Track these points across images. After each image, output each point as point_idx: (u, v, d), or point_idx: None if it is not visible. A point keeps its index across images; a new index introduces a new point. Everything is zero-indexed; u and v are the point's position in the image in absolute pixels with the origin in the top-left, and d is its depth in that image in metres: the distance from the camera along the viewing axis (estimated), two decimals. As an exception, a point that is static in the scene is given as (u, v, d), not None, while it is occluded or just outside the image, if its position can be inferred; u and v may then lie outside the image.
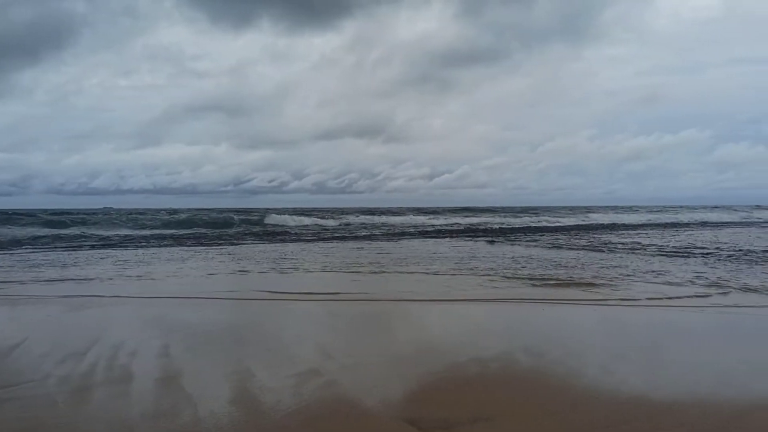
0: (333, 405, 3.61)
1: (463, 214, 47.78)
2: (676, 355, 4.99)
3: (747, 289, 8.12)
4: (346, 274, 10.54)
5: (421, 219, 40.24)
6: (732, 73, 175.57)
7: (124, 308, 7.24)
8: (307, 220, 34.90)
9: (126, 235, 23.63)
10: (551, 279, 9.35)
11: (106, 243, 19.23)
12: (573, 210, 60.41)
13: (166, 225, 31.26)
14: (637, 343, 5.36)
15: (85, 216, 36.13)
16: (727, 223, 36.71)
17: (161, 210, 52.82)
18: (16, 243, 19.12)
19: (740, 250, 14.15)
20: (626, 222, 37.77)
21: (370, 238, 22.44)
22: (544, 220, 38.92)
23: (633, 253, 14.10)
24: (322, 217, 37.93)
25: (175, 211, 47.98)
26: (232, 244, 19.17)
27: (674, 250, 14.75)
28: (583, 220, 39.55)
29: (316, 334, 5.81)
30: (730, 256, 12.84)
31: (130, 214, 41.12)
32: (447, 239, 21.35)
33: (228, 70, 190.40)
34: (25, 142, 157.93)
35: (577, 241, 19.12)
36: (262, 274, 10.42)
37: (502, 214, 48.59)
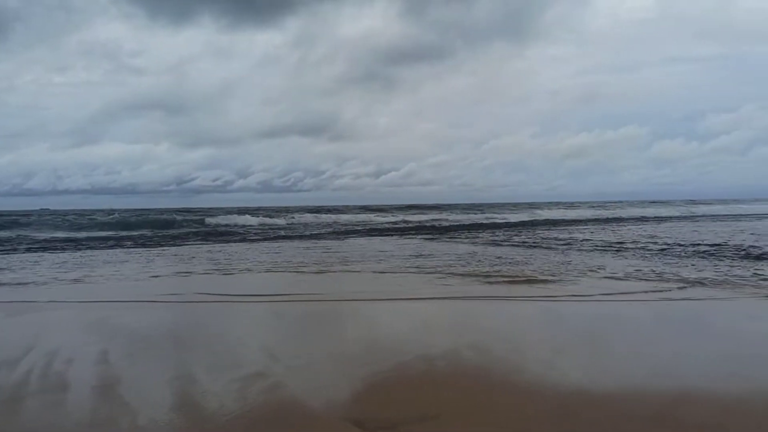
0: (277, 408, 3.56)
1: (410, 212, 48.03)
2: (616, 347, 5.13)
3: (689, 282, 8.40)
4: (293, 274, 10.44)
5: (368, 217, 40.28)
6: (667, 71, 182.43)
7: (61, 313, 6.98)
8: (252, 220, 34.40)
9: (63, 237, 22.82)
10: (498, 275, 9.48)
11: (41, 246, 18.52)
12: (517, 206, 61.49)
13: (106, 226, 30.32)
14: (579, 337, 5.49)
15: (19, 218, 34.79)
16: (666, 217, 38.03)
17: (100, 210, 51.30)
18: (-56, 247, 18.22)
19: (681, 245, 14.66)
20: (570, 218, 38.67)
21: (316, 237, 22.32)
22: (490, 217, 39.49)
23: (577, 248, 14.44)
24: (268, 216, 37.49)
25: (114, 212, 46.68)
26: (175, 245, 18.75)
27: (618, 244, 15.17)
28: (531, 217, 40.30)
29: (261, 336, 5.73)
30: (662, 249, 13.28)
31: (67, 215, 39.78)
32: (394, 237, 21.41)
33: (168, 66, 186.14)
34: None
35: (523, 237, 19.47)
36: (205, 276, 10.22)
37: (449, 211, 49.06)
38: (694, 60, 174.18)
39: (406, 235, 22.71)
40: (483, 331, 5.79)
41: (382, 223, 34.43)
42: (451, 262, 11.68)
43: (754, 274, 9.04)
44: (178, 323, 6.49)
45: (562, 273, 9.55)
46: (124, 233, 25.61)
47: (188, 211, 51.60)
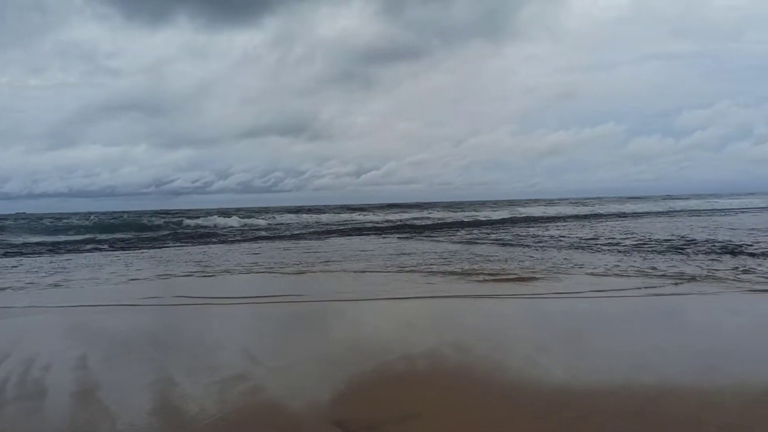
0: (258, 410, 3.54)
1: (391, 211, 48.05)
2: (599, 343, 5.18)
3: (671, 277, 8.49)
4: (273, 275, 10.39)
5: (349, 216, 40.23)
6: (642, 69, 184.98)
7: (39, 319, 6.88)
8: (232, 221, 34.19)
9: (40, 242, 22.50)
10: (480, 273, 9.51)
11: (18, 250, 18.24)
12: (497, 204, 61.80)
13: (83, 229, 29.93)
14: (562, 335, 5.52)
15: (-6, 222, 34.25)
16: (645, 213, 38.43)
17: (77, 214, 50.66)
18: None
19: (660, 240, 14.82)
20: (550, 215, 38.93)
21: (297, 237, 22.24)
22: (472, 215, 39.63)
23: (558, 245, 14.53)
24: (249, 217, 37.28)
25: (93, 215, 46.11)
26: (154, 247, 18.58)
27: (594, 240, 15.30)
28: (511, 214, 40.50)
29: (242, 338, 5.69)
30: (641, 245, 13.43)
31: (41, 219, 39.21)
32: (375, 236, 21.41)
33: (145, 67, 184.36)
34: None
35: (504, 234, 19.56)
36: (185, 278, 10.13)
37: (429, 210, 49.16)
38: (669, 58, 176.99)
39: (387, 234, 22.71)
40: (465, 330, 5.81)
41: (362, 222, 34.39)
42: (433, 260, 11.70)
43: (734, 268, 9.14)
44: (157, 327, 6.44)
45: (543, 270, 9.61)
46: (102, 236, 25.31)
47: (168, 212, 51.08)
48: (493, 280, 8.77)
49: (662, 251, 11.91)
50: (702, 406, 3.44)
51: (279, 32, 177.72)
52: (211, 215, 37.45)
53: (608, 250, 12.72)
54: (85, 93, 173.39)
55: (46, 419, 3.51)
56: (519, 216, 38.26)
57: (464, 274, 9.50)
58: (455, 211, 45.35)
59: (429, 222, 33.10)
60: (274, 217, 37.62)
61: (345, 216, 40.79)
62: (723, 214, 32.16)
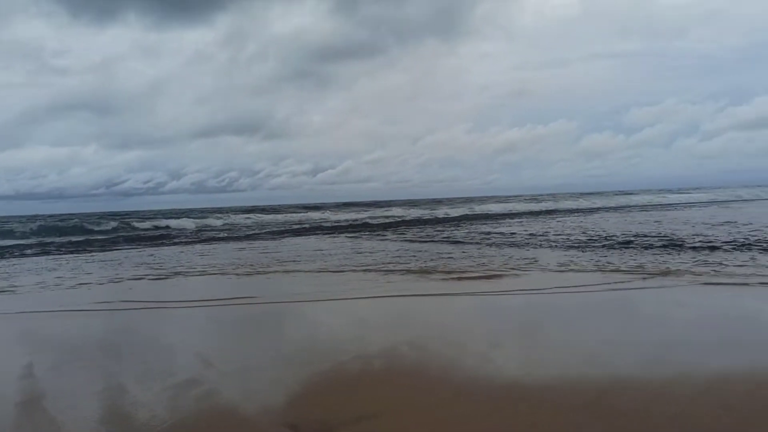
0: (211, 415, 3.48)
1: (348, 209, 47.97)
2: (552, 338, 5.25)
3: (626, 271, 8.67)
4: (228, 276, 10.25)
5: (306, 215, 40.01)
6: (592, 67, 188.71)
7: (-20, 327, 6.64)
8: (185, 222, 33.61)
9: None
10: (437, 271, 9.56)
11: (-40, 255, 17.56)
12: (454, 201, 62.25)
13: (31, 233, 29.01)
14: (516, 331, 5.61)
15: (-66, 227, 32.88)
16: (598, 208, 39.21)
17: (24, 216, 49.13)
18: None
19: (614, 235, 15.14)
20: (505, 211, 39.44)
21: (252, 237, 21.99)
22: (429, 213, 39.82)
23: (513, 242, 14.71)
24: (203, 218, 36.73)
25: (40, 218, 44.77)
26: (105, 250, 18.12)
27: (544, 236, 15.55)
28: (469, 211, 40.80)
29: (195, 342, 5.59)
30: (595, 239, 13.70)
31: (-12, 222, 37.90)
32: (332, 235, 21.33)
33: (93, 66, 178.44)
34: None
35: (461, 231, 19.71)
36: (136, 281, 9.90)
37: (386, 208, 49.20)
38: (617, 56, 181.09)
39: (344, 233, 22.66)
40: (422, 328, 5.83)
41: (319, 222, 34.23)
42: (390, 258, 11.71)
43: (688, 261, 9.36)
44: (107, 332, 6.28)
45: (500, 267, 9.72)
46: (49, 239, 24.57)
47: (118, 214, 49.98)
48: (451, 278, 8.82)
49: (616, 246, 12.16)
50: (651, 397, 3.52)
51: (231, 30, 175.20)
52: (164, 216, 36.76)
53: (564, 245, 12.92)
54: (31, 93, 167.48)
55: (-11, 431, 3.38)
56: (477, 213, 38.66)
57: (422, 272, 9.54)
58: (413, 209, 45.52)
59: (386, 220, 33.13)
60: (228, 217, 37.15)
61: (301, 215, 40.55)
62: (673, 209, 33.06)
